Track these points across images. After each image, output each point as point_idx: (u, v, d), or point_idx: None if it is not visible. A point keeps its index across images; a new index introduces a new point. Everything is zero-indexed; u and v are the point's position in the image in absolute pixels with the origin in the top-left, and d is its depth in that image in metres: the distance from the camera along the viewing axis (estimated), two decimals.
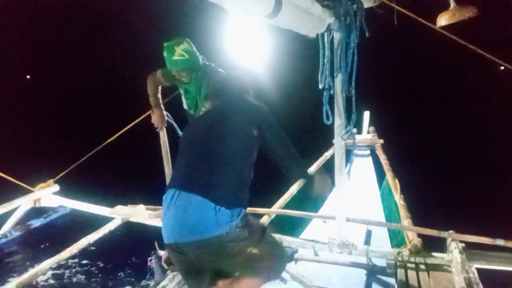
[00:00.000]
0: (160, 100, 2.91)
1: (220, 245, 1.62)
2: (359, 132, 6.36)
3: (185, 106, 2.91)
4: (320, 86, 2.32)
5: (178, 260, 1.76)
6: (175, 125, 3.08)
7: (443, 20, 2.16)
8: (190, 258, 1.71)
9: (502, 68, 2.23)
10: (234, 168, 1.74)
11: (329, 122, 2.43)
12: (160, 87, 2.88)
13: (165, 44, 2.55)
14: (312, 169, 4.82)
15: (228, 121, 1.87)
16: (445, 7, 2.17)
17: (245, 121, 1.87)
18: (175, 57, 2.50)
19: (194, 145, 1.85)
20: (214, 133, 1.83)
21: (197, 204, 1.60)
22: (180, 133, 2.99)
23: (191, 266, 1.76)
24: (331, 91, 2.32)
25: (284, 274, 2.70)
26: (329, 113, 2.39)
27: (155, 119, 2.87)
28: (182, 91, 2.86)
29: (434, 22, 2.21)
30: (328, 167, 2.69)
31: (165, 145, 2.94)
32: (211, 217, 1.59)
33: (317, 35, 2.13)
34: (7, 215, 4.08)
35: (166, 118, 2.91)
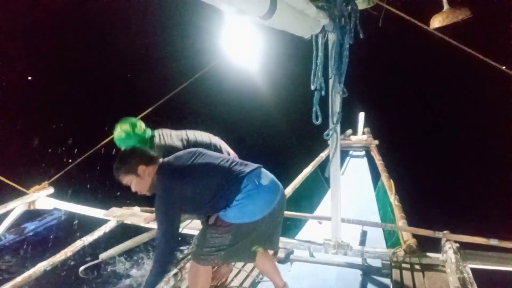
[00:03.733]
0: None
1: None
2: (354, 133, 6.40)
3: None
4: (313, 87, 2.33)
5: (266, 223, 2.08)
6: None
7: (436, 22, 2.18)
8: (275, 216, 2.12)
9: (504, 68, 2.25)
10: None
11: (318, 123, 2.42)
12: None
13: None
14: (308, 170, 4.83)
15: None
16: (438, 9, 2.19)
17: None
18: (115, 134, 2.68)
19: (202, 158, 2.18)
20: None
21: (268, 173, 2.17)
22: None
23: (272, 225, 2.14)
24: (322, 92, 2.32)
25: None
26: (319, 113, 2.38)
27: None
28: None
29: (428, 24, 2.23)
30: (324, 168, 2.69)
31: None
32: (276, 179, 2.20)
33: (312, 36, 2.13)
34: (1, 218, 4.04)
35: None
